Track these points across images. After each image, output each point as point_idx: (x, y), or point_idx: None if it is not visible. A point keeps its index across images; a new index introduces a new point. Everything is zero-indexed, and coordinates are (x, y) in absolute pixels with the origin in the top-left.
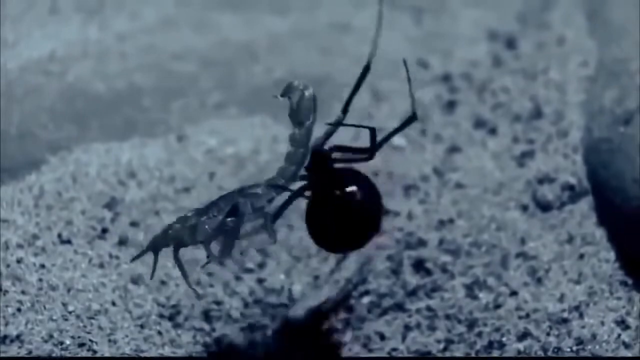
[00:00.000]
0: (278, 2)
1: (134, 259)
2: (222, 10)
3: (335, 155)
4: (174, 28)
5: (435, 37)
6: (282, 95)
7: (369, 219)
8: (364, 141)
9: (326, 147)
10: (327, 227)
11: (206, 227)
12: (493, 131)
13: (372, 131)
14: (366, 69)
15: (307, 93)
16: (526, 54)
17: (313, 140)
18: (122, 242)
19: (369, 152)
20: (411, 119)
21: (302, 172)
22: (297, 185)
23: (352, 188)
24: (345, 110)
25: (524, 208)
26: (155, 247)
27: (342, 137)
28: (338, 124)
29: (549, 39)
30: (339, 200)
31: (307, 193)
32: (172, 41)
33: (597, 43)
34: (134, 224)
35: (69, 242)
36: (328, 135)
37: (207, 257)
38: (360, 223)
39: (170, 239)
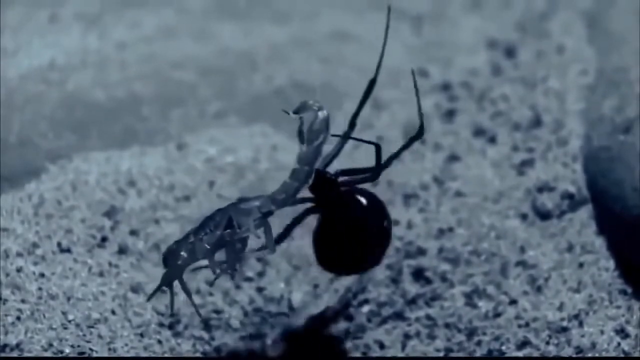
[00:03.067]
0: (278, 11)
1: (149, 298)
2: (222, 19)
3: (342, 179)
4: (174, 37)
5: (435, 46)
6: (294, 113)
7: (379, 241)
8: (364, 151)
9: (332, 171)
10: (339, 251)
11: (205, 245)
12: (492, 140)
13: (378, 148)
14: (372, 83)
15: (320, 114)
16: (526, 63)
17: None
18: (122, 250)
19: (374, 172)
20: (418, 135)
21: (308, 193)
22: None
23: (363, 213)
24: (352, 125)
25: (524, 217)
26: (169, 280)
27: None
28: (345, 137)
29: (549, 48)
30: (351, 225)
31: (313, 215)
32: (172, 50)
33: (596, 52)
34: (133, 232)
35: (68, 250)
36: (336, 152)
37: (213, 272)
38: (371, 246)
39: (181, 269)
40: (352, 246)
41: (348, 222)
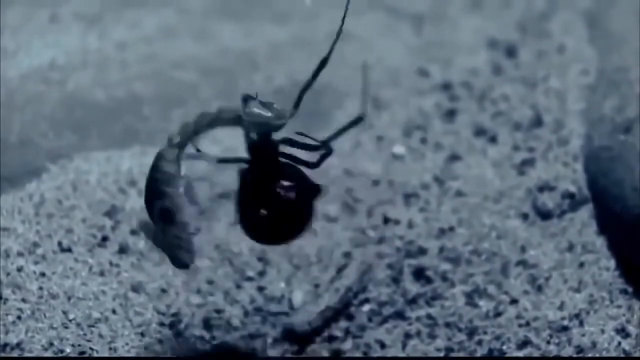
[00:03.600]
0: (278, 11)
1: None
2: (222, 19)
3: (284, 149)
4: (174, 37)
5: (436, 46)
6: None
7: (297, 216)
8: (365, 148)
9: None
10: (253, 216)
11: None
12: (493, 139)
13: (326, 147)
14: (323, 62)
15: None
16: (526, 62)
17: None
18: (123, 250)
19: (315, 161)
20: (358, 119)
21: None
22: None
23: (287, 183)
24: (297, 105)
25: (524, 216)
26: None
27: (342, 144)
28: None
29: (549, 47)
30: (271, 193)
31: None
32: (172, 50)
33: (597, 51)
34: (134, 232)
35: (69, 250)
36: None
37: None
38: (288, 219)
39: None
40: (268, 216)
41: (273, 190)
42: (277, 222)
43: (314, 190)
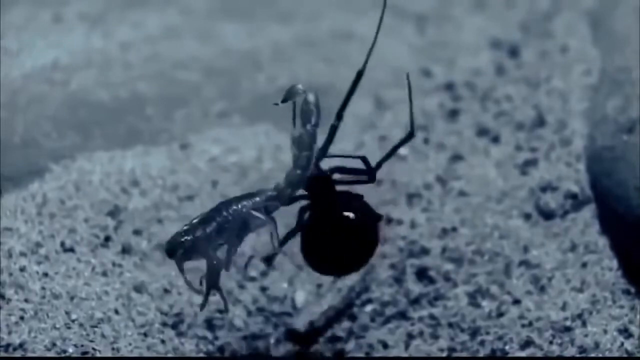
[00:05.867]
0: (281, 12)
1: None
2: (226, 19)
3: (336, 176)
4: (178, 37)
5: (439, 46)
6: (283, 101)
7: (364, 245)
8: (368, 148)
9: (326, 169)
10: (322, 250)
11: (206, 239)
12: (496, 139)
13: (364, 160)
14: (359, 75)
15: (309, 97)
16: (529, 63)
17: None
18: (125, 250)
19: (369, 175)
20: (409, 136)
21: (303, 192)
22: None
23: (349, 214)
24: (340, 116)
25: (527, 216)
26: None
27: (345, 144)
28: (334, 128)
29: (552, 48)
30: (335, 226)
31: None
32: (175, 50)
33: (600, 52)
34: (137, 232)
35: (72, 250)
36: (325, 147)
37: (208, 267)
38: (355, 249)
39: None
40: (337, 248)
41: (338, 224)
42: (345, 253)
43: (375, 218)
